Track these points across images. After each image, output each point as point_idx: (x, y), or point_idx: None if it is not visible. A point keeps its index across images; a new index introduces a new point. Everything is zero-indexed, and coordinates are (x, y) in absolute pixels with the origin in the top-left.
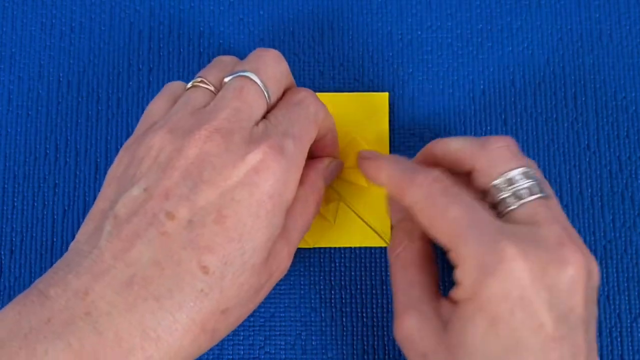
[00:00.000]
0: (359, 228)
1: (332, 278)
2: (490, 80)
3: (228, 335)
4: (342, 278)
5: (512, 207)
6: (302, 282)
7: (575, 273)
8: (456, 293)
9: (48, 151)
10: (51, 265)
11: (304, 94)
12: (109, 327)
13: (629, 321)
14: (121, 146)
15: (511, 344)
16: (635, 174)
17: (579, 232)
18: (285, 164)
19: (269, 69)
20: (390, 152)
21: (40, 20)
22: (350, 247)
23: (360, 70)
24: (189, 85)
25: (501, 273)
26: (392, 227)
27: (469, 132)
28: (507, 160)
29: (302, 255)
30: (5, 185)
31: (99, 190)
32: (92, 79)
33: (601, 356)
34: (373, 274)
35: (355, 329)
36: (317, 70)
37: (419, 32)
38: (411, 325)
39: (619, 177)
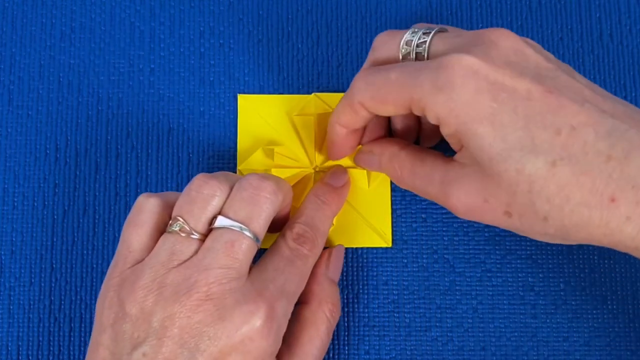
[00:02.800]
0: (359, 228)
1: None
2: None
3: None
4: (342, 278)
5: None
6: None
7: (509, 42)
8: (451, 139)
9: (48, 151)
10: (51, 265)
11: (305, 248)
12: None
13: (626, 321)
14: (121, 147)
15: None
16: None
17: None
18: (277, 328)
19: (263, 215)
20: None
21: (40, 20)
22: (350, 247)
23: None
24: (171, 228)
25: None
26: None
27: None
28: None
29: None
30: (6, 185)
31: (99, 192)
32: (92, 79)
33: (600, 357)
34: (373, 274)
35: (355, 329)
36: (317, 70)
37: None
38: (455, 193)
39: None
